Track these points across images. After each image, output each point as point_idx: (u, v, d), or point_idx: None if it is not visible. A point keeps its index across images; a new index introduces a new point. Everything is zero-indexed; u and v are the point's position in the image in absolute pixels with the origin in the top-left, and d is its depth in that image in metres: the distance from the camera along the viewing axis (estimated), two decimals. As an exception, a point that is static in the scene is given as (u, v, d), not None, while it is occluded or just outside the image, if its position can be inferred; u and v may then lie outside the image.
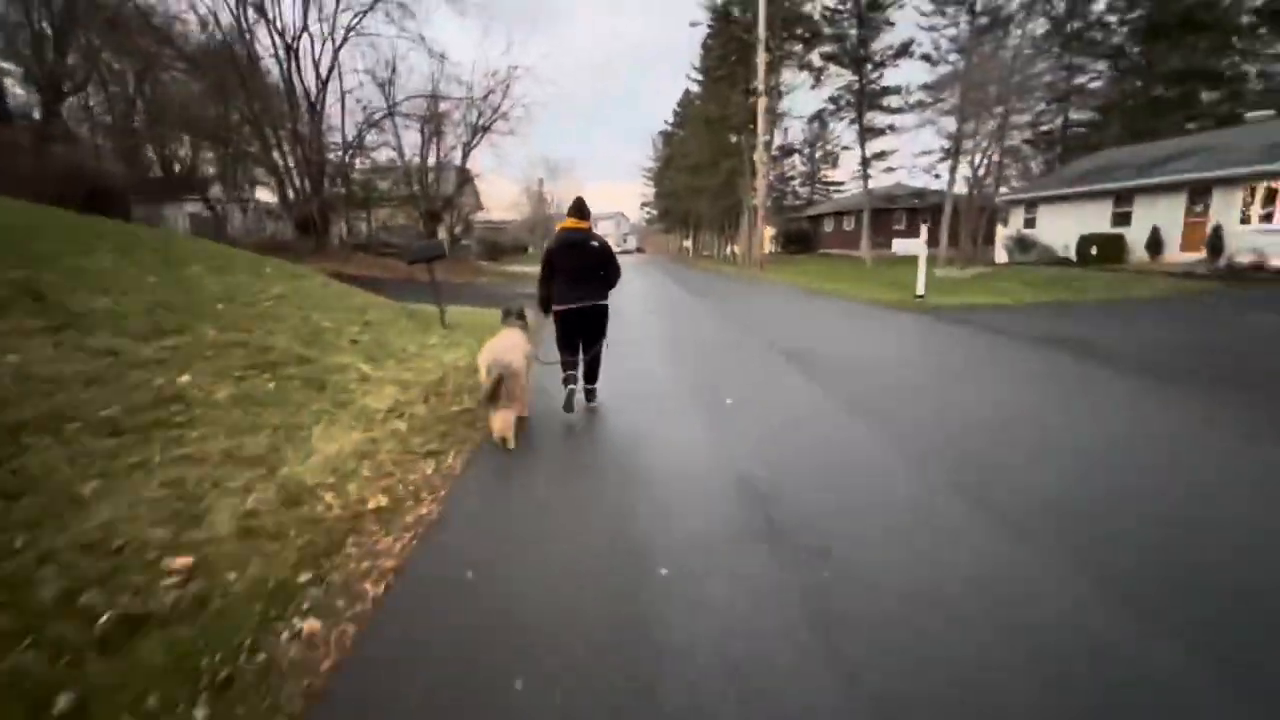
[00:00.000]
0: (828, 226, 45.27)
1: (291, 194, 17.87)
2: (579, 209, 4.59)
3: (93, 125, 23.93)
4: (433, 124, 18.52)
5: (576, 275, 4.49)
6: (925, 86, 26.57)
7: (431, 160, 19.39)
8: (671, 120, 54.29)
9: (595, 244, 4.50)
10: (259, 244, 17.13)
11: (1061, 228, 22.01)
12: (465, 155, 19.46)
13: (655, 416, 4.62)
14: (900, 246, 13.17)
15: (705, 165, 31.63)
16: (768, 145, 25.53)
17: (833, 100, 27.76)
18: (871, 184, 35.73)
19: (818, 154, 46.86)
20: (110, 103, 22.85)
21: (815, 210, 46.49)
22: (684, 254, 57.49)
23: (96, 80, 21.51)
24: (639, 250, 75.83)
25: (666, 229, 65.49)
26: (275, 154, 17.37)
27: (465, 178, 19.90)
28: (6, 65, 19.38)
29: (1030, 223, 23.99)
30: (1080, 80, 29.86)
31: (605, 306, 4.65)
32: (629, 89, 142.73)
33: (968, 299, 12.45)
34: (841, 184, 50.67)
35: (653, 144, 68.79)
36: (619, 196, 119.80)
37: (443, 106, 18.44)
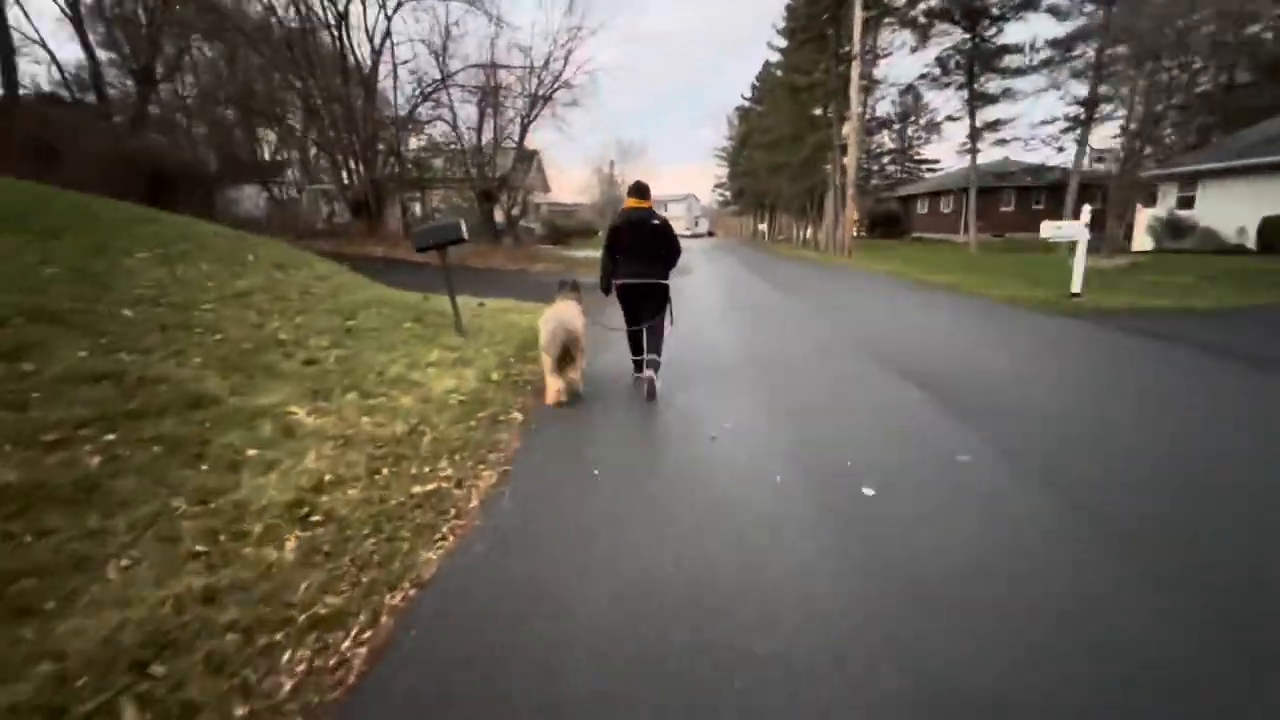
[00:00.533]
0: (920, 208, 41.04)
1: (345, 175, 16.93)
2: (640, 190, 4.75)
3: (187, 112, 24.19)
4: (490, 96, 17.00)
5: (637, 252, 4.60)
6: (1054, 43, 22.55)
7: (488, 135, 17.91)
8: (749, 95, 51.03)
9: (656, 222, 4.58)
10: (313, 231, 16.27)
11: (1230, 209, 17.96)
12: (524, 129, 17.82)
13: (761, 554, 2.51)
14: (1048, 230, 10.22)
15: (786, 140, 28.72)
16: (860, 117, 22.43)
17: (939, 62, 24.10)
18: (988, 159, 31.66)
19: (909, 129, 42.51)
20: (200, 87, 22.90)
21: (906, 190, 42.24)
22: (759, 238, 54.40)
23: (189, 65, 21.51)
24: (710, 234, 72.92)
25: (740, 211, 62.32)
26: (330, 131, 16.42)
27: (523, 154, 18.25)
28: (107, 54, 19.47)
29: (1186, 202, 19.87)
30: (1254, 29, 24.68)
31: (665, 285, 4.71)
32: (706, 67, 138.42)
33: (1137, 299, 9.56)
34: (935, 162, 45.90)
35: (727, 122, 65.57)
36: (691, 179, 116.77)
37: (501, 77, 16.91)
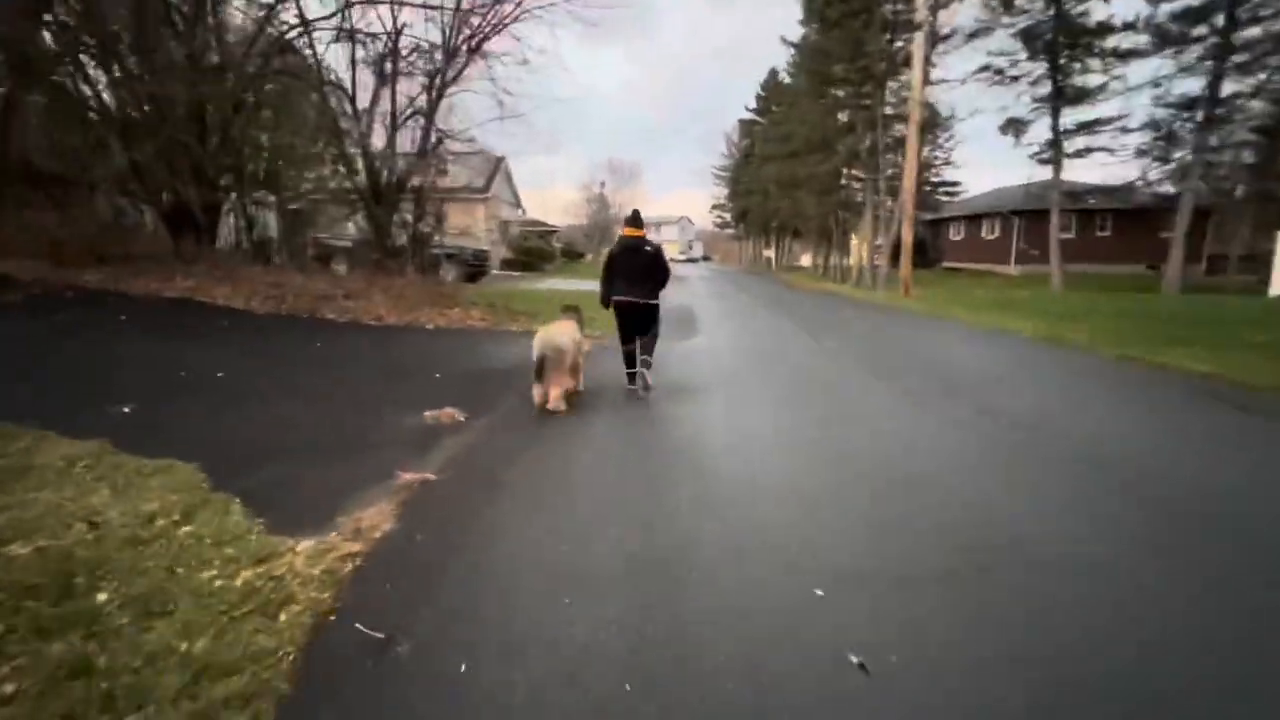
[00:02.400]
0: (953, 233, 35.53)
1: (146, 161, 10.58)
2: (635, 219, 5.53)
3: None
4: (389, 53, 10.89)
5: (631, 275, 5.30)
6: (1179, 15, 17.00)
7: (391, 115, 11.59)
8: (753, 105, 45.79)
9: (649, 249, 5.34)
10: (98, 250, 10.18)
11: None
12: (437, 93, 11.51)
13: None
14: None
15: (811, 146, 22.97)
16: (924, 107, 16.68)
17: (1024, 36, 18.47)
18: (1025, 177, 26.11)
19: (943, 142, 37.10)
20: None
21: (934, 214, 36.75)
22: (764, 266, 48.53)
23: None
24: (705, 258, 67.23)
25: (741, 235, 56.74)
26: (126, 89, 9.92)
27: (433, 139, 11.94)
28: None
29: (1397, 227, 14.08)
30: None
31: (656, 305, 5.42)
32: (706, 92, 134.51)
33: None
34: (956, 184, 40.59)
35: (726, 140, 60.48)
36: (687, 203, 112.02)
37: (405, 20, 10.75)
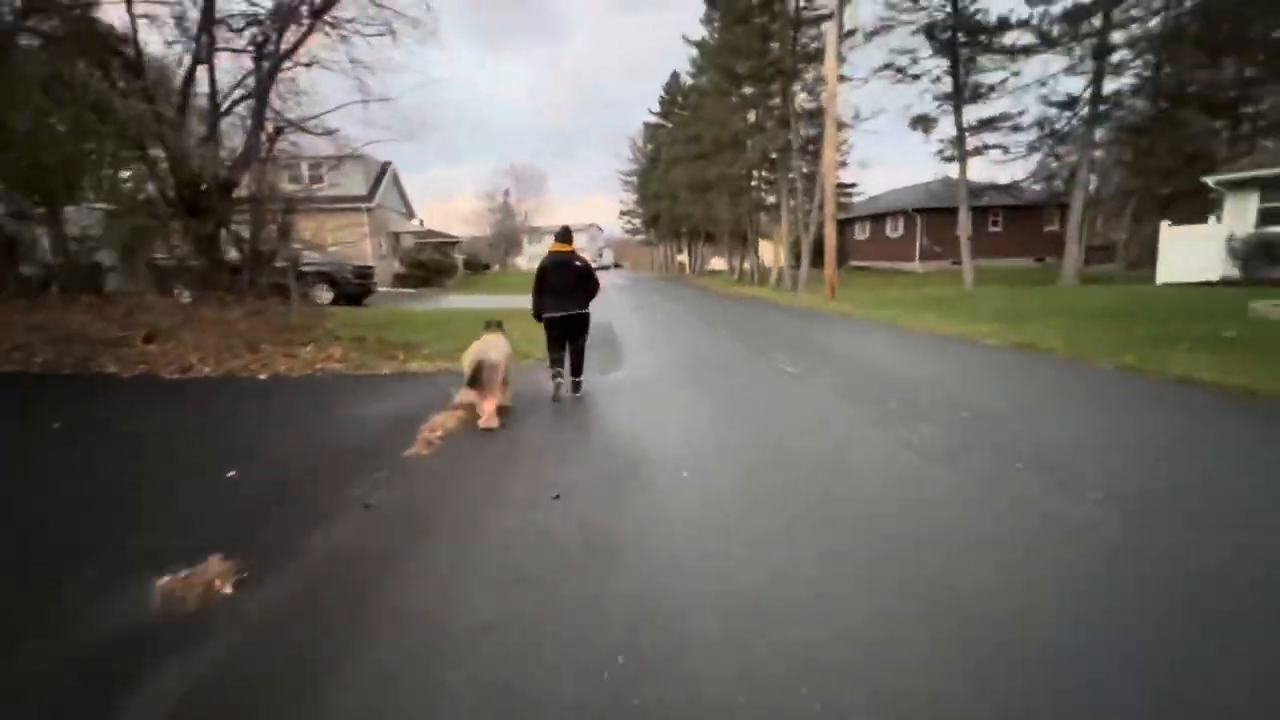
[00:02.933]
0: (859, 233, 36.21)
1: None
2: (565, 235, 5.72)
3: None
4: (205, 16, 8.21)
5: (561, 289, 5.51)
6: (1067, 14, 17.39)
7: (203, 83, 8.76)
8: (656, 110, 44.96)
9: (578, 264, 5.55)
10: None
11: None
12: (269, 72, 8.83)
13: None
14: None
15: (723, 145, 22.00)
16: (834, 101, 15.95)
17: (926, 31, 18.31)
18: (932, 175, 26.79)
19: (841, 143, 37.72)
20: None
21: (845, 214, 37.35)
22: (678, 271, 47.76)
23: None
24: (616, 265, 65.97)
25: (652, 241, 55.87)
26: None
27: (268, 128, 9.21)
28: None
29: (1273, 216, 14.84)
30: None
31: (586, 315, 5.68)
32: (608, 99, 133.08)
33: None
34: (851, 186, 41.74)
35: (631, 145, 59.56)
36: (595, 210, 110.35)
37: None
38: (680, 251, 47.26)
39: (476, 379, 4.58)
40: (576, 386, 5.73)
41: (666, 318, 13.68)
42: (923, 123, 18.81)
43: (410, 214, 30.12)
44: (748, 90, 20.82)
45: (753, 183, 23.58)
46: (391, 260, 25.28)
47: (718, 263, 46.50)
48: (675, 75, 42.99)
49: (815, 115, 19.35)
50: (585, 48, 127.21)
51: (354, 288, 16.61)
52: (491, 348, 4.84)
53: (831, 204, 15.81)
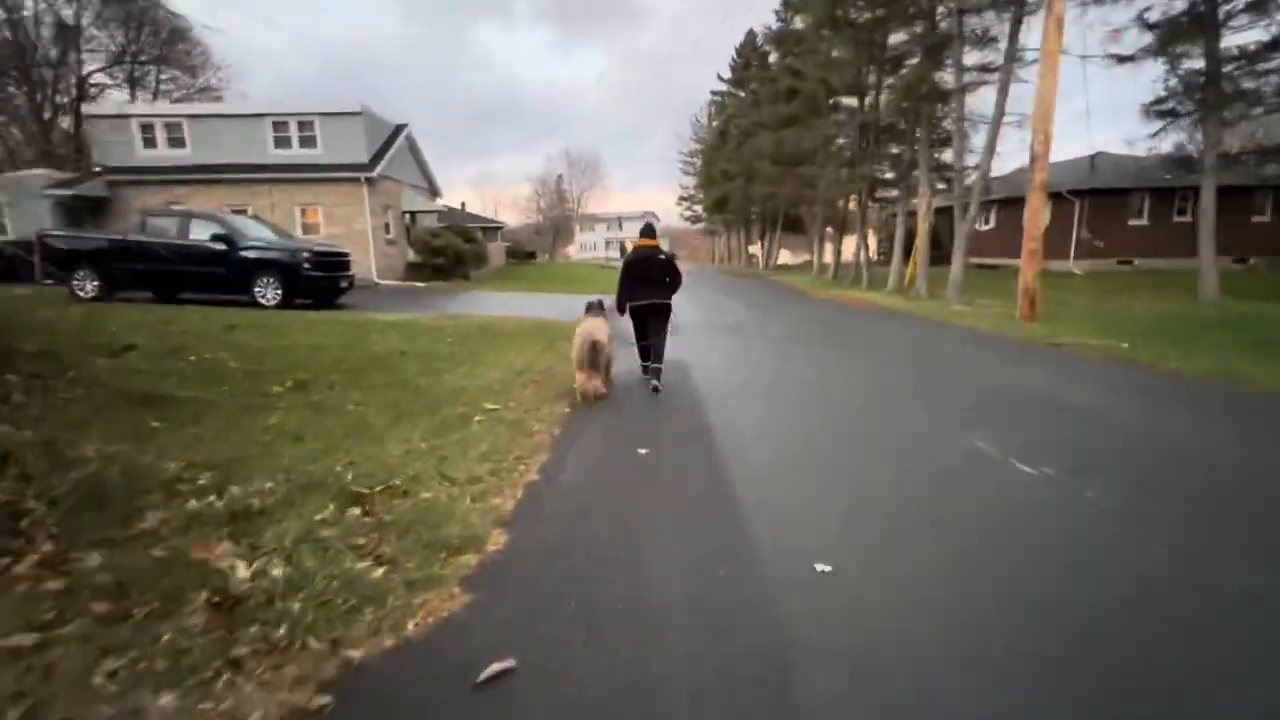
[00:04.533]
0: (977, 222, 29.14)
1: None
2: (649, 231, 5.86)
3: None
4: None
5: (647, 281, 5.66)
6: None
7: None
8: (728, 75, 38.81)
9: (662, 257, 5.71)
10: None
11: None
12: None
13: None
14: None
15: (821, 106, 16.04)
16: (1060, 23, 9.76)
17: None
18: (1088, 148, 19.79)
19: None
20: None
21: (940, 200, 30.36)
22: (747, 264, 41.47)
23: None
24: (673, 256, 60.08)
25: (715, 229, 49.83)
26: None
27: None
28: None
29: None
30: None
31: (669, 305, 5.80)
32: (667, 89, 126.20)
33: None
34: (949, 168, 34.46)
35: (694, 122, 53.60)
36: (653, 200, 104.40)
37: None
38: (752, 241, 40.80)
39: (591, 360, 5.04)
40: (658, 373, 5.71)
41: (778, 355, 8.07)
42: (1174, 43, 12.22)
43: (434, 191, 25.34)
44: (879, 10, 14.67)
45: (875, 144, 17.44)
46: (399, 245, 20.47)
47: (785, 256, 39.94)
48: (751, 34, 36.79)
49: (983, 41, 13.11)
50: (659, 35, 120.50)
51: (314, 282, 11.68)
52: (598, 328, 5.20)
53: (1045, 158, 9.69)
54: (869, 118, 16.74)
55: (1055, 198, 23.34)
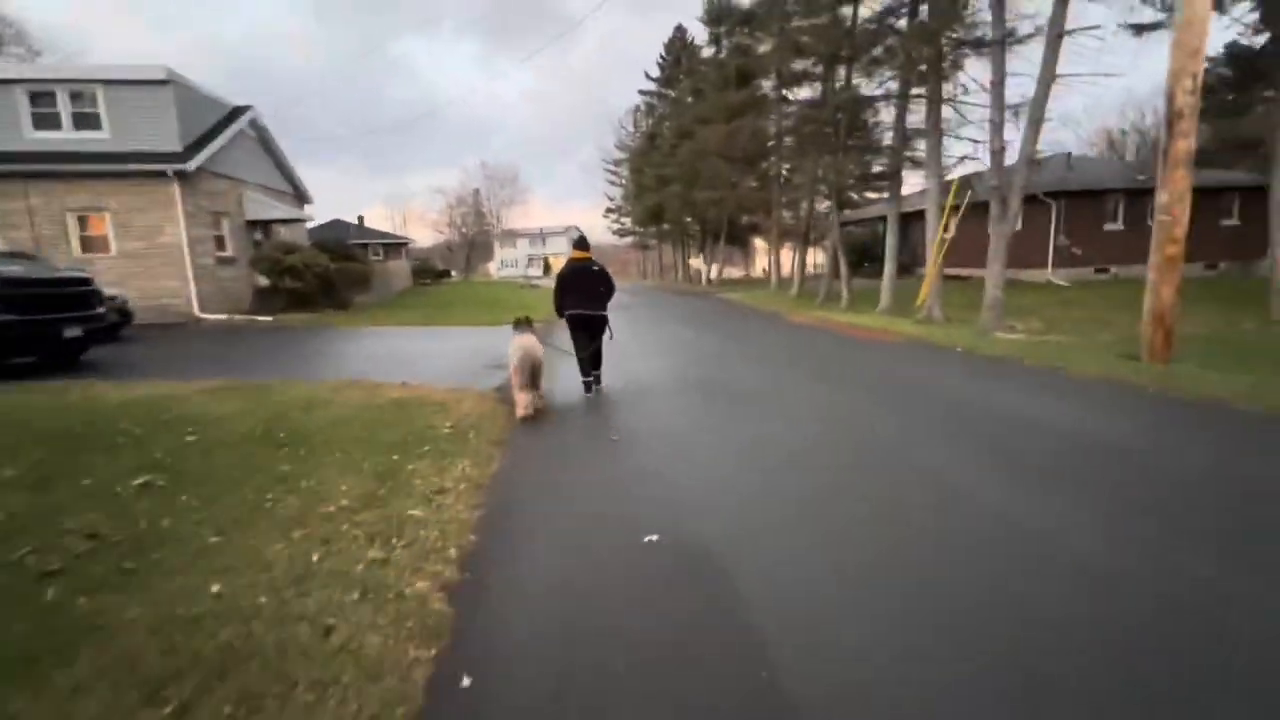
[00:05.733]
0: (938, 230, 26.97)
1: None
2: (582, 243, 6.08)
3: None
4: None
5: (583, 292, 5.86)
6: None
7: None
8: (656, 75, 35.40)
9: (596, 269, 5.92)
10: None
11: None
12: None
13: None
14: None
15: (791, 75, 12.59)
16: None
17: None
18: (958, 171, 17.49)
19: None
20: None
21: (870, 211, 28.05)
22: (685, 280, 37.76)
23: None
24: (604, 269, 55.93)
25: (648, 243, 46.18)
26: None
27: None
28: None
29: None
30: None
31: (605, 316, 6.01)
32: (595, 107, 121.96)
33: None
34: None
35: (619, 128, 50.19)
36: (579, 217, 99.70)
37: None
38: (695, 254, 36.89)
39: (533, 379, 5.08)
40: (598, 379, 6.06)
41: (775, 422, 4.19)
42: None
43: (300, 198, 20.02)
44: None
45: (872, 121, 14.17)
46: (236, 266, 15.14)
47: (728, 270, 36.72)
48: (680, 30, 33.65)
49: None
50: (587, 49, 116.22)
51: (19, 330, 6.68)
52: (536, 346, 5.19)
53: (1193, 118, 6.32)
54: (850, 94, 13.38)
55: (1031, 201, 21.24)
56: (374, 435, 4.28)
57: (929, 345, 9.32)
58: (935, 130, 12.00)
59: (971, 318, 11.88)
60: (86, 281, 7.99)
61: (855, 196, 22.50)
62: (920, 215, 23.62)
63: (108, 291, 10.71)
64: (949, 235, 11.47)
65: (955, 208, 11.97)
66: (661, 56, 34.40)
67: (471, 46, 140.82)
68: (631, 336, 10.28)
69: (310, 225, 40.99)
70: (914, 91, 13.08)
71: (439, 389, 6.06)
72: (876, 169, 15.09)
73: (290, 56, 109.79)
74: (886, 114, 14.76)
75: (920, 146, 14.36)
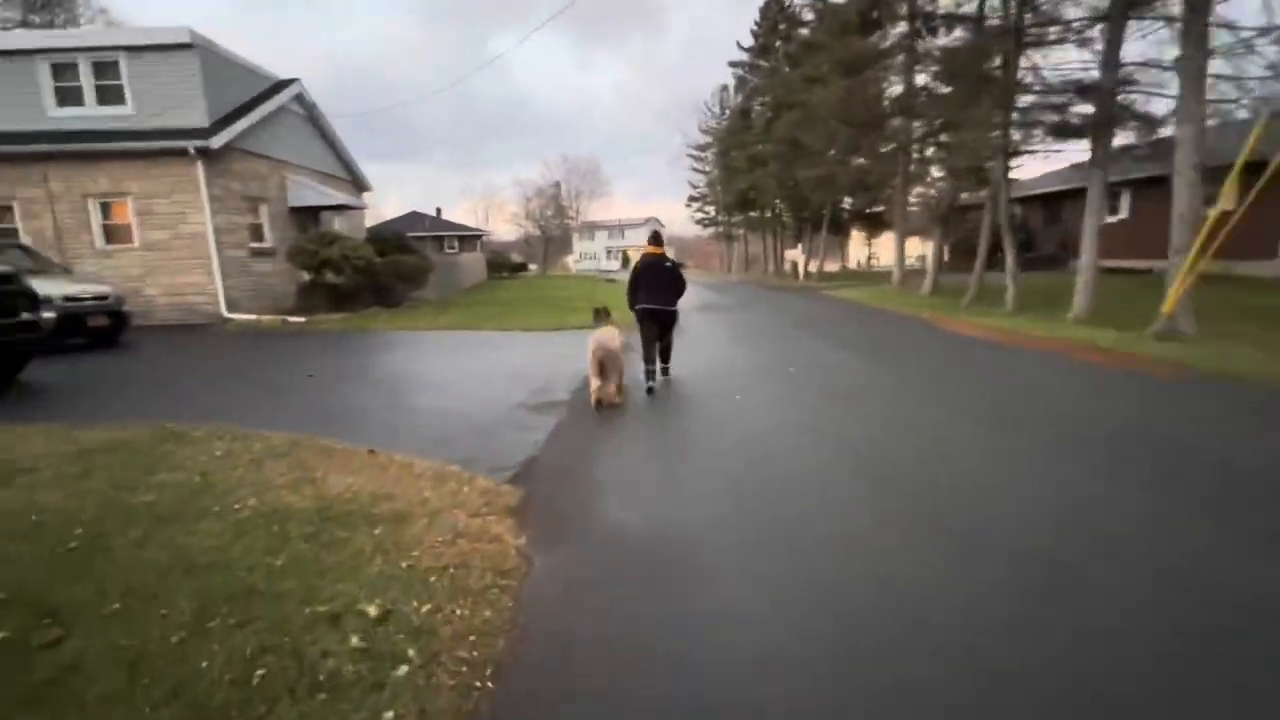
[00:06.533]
0: (1072, 213, 21.77)
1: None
2: (656, 239, 6.39)
3: None
4: None
5: (654, 286, 6.07)
6: None
7: None
8: (749, 44, 31.77)
9: (668, 264, 6.17)
10: None
11: None
12: None
13: None
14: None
15: None
16: None
17: None
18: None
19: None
20: None
21: (1045, 186, 22.92)
22: (776, 275, 33.87)
23: None
24: (680, 266, 52.74)
25: (733, 233, 42.61)
26: None
27: None
28: None
29: None
30: None
31: (675, 311, 6.25)
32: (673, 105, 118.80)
33: None
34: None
35: (704, 110, 46.74)
36: (660, 209, 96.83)
37: None
38: (795, 244, 32.08)
39: (603, 369, 5.21)
40: (665, 372, 6.35)
41: None
42: None
43: (358, 185, 18.32)
44: None
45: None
46: (272, 260, 13.34)
47: (799, 261, 31.49)
48: (774, -5, 29.78)
49: None
50: (677, 42, 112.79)
51: None
52: (611, 338, 5.36)
53: None
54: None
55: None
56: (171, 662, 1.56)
57: (1242, 385, 5.64)
58: (1198, 52, 8.08)
59: (1244, 332, 7.95)
60: (6, 279, 5.91)
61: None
62: (1069, 195, 19.00)
63: (96, 289, 8.94)
64: (1229, 209, 7.54)
65: (1256, 166, 7.86)
66: (755, 23, 30.70)
67: (566, 38, 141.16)
68: (751, 366, 7.31)
69: (389, 218, 40.90)
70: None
71: (418, 467, 3.40)
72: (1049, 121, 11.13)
73: (398, 62, 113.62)
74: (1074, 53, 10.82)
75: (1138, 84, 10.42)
